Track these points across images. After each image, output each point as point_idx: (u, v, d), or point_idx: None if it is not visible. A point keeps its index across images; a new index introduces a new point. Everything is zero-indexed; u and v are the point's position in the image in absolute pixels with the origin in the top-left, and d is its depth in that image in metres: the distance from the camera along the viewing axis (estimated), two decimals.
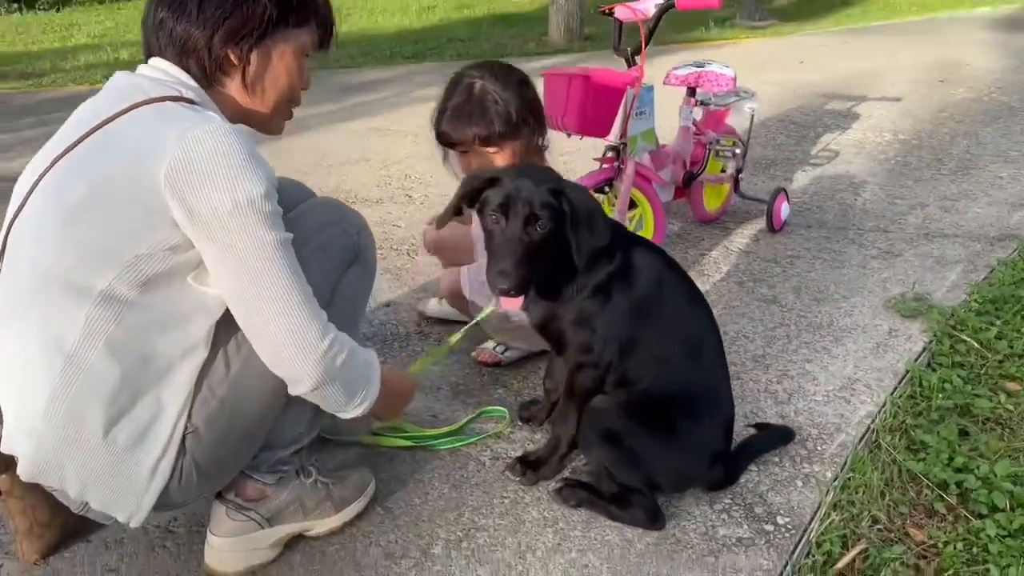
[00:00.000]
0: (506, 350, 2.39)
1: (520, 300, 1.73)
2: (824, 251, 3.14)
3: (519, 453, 1.98)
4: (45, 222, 1.37)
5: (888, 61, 6.95)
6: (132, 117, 1.38)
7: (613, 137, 2.71)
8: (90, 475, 1.37)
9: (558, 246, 1.67)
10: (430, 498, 1.85)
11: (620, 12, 2.79)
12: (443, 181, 4.00)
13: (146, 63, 1.50)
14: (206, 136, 1.32)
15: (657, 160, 2.94)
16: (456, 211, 1.76)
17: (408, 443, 2.02)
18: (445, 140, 2.15)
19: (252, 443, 1.57)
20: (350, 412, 1.54)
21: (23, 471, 1.38)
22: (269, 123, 1.61)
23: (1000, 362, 2.37)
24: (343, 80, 7.09)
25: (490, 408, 2.14)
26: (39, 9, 12.00)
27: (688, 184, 3.11)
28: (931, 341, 2.45)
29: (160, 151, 1.31)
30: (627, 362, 1.75)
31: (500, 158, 2.11)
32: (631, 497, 1.74)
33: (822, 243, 3.21)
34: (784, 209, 3.31)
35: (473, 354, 2.41)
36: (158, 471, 1.41)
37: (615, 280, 1.72)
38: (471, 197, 1.71)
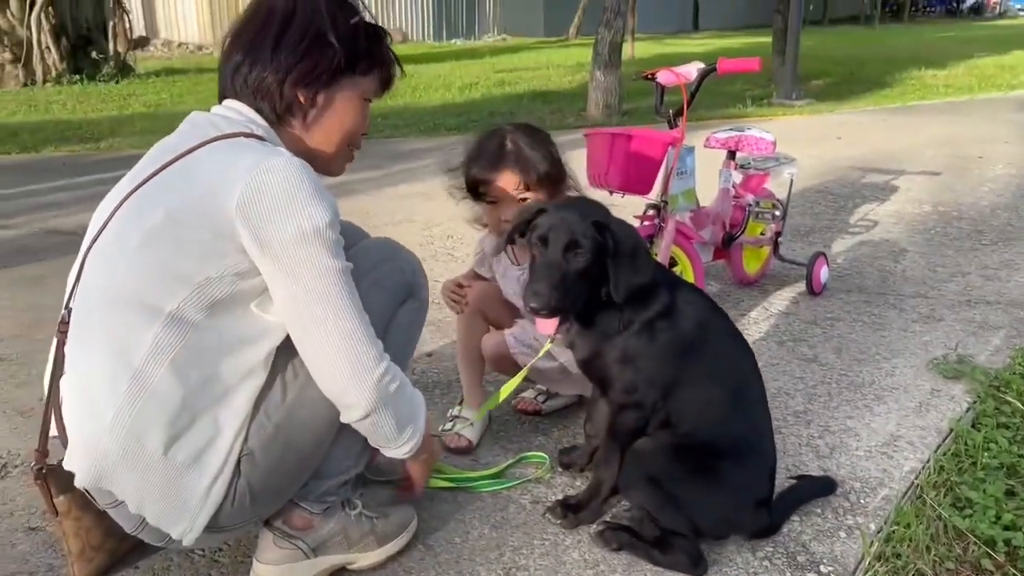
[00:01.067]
0: (546, 400, 2.41)
1: (554, 324, 1.78)
2: (864, 314, 3.14)
3: (558, 496, 1.99)
4: (121, 246, 1.46)
5: (926, 137, 7.01)
6: (207, 150, 1.48)
7: (654, 195, 2.78)
8: (148, 490, 1.42)
9: (600, 278, 1.72)
10: (471, 537, 1.86)
11: (662, 77, 2.88)
12: (469, 239, 4.09)
13: (220, 104, 1.61)
14: (276, 167, 1.41)
15: (697, 220, 2.99)
16: (510, 240, 1.84)
17: (449, 484, 2.04)
18: (476, 187, 2.18)
19: (304, 471, 1.61)
20: (398, 447, 1.58)
21: (83, 479, 1.42)
22: (331, 164, 1.70)
23: None
24: (389, 148, 7.29)
25: (531, 454, 2.16)
26: (99, 80, 12.51)
27: (727, 245, 3.15)
28: (975, 402, 2.43)
29: (232, 181, 1.40)
30: (671, 404, 1.77)
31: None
32: (674, 541, 1.74)
33: (862, 307, 3.22)
34: (824, 273, 3.33)
35: (513, 402, 2.44)
36: (213, 491, 1.45)
37: (661, 319, 1.76)
38: (522, 228, 1.77)
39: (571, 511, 1.89)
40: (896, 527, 1.87)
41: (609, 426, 1.83)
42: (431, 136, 7.98)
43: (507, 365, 2.28)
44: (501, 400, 2.05)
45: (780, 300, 3.30)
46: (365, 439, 1.60)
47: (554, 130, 8.91)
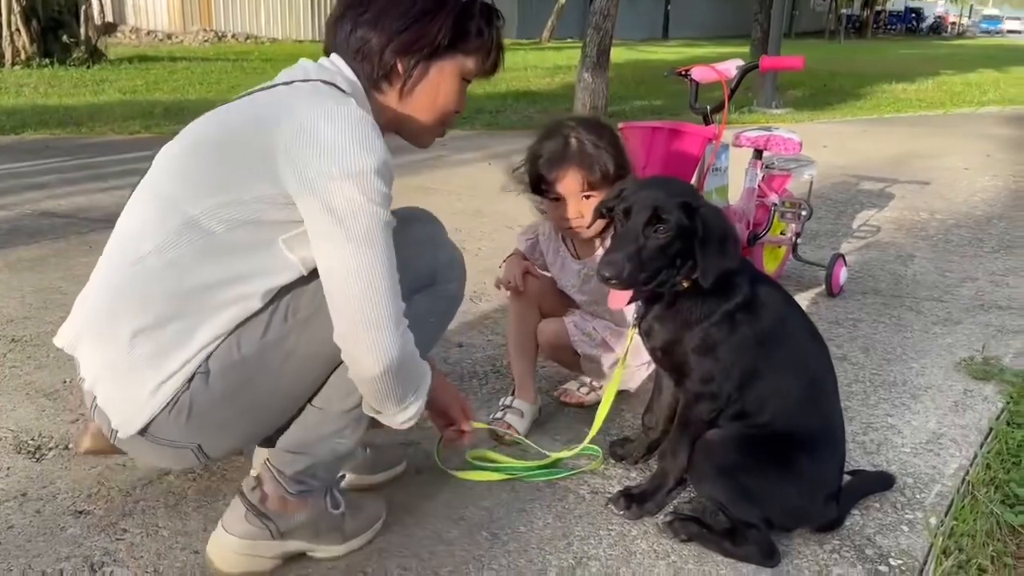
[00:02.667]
0: (589, 392, 2.39)
1: (626, 296, 1.74)
2: (884, 316, 3.18)
3: (616, 488, 1.97)
4: (174, 152, 1.53)
5: (910, 148, 7.14)
6: (286, 88, 1.50)
7: None
8: (104, 369, 1.49)
9: (681, 261, 1.71)
10: (536, 527, 1.83)
11: (698, 74, 2.89)
12: (495, 236, 4.07)
13: (326, 56, 1.59)
14: (334, 113, 1.40)
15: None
16: (600, 215, 1.86)
17: (501, 476, 2.01)
18: (539, 184, 2.14)
19: (253, 421, 1.58)
20: (396, 414, 1.52)
21: (62, 340, 1.57)
22: (421, 135, 1.68)
23: None
24: None
25: (584, 445, 2.14)
26: (70, 65, 12.21)
27: (751, 244, 3.17)
28: (1008, 402, 2.47)
29: (291, 116, 1.40)
30: (747, 395, 1.76)
31: (592, 206, 2.09)
32: (746, 533, 1.73)
33: (881, 309, 3.25)
34: (843, 274, 3.36)
35: (556, 394, 2.42)
36: (158, 393, 1.46)
37: (742, 310, 1.75)
38: (611, 202, 1.77)
39: (635, 502, 1.87)
40: (956, 522, 1.89)
41: (681, 416, 1.82)
42: None
43: (565, 354, 2.26)
44: (598, 429, 2.03)
45: (801, 300, 3.31)
46: (355, 421, 1.57)
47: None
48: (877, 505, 1.94)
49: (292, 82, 1.50)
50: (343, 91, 1.50)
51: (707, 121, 2.86)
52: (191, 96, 9.41)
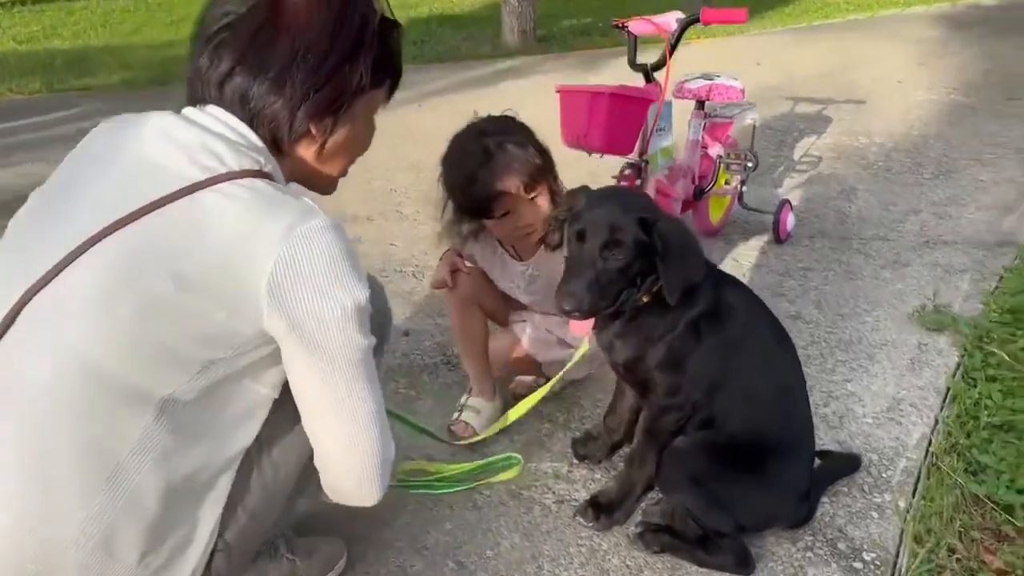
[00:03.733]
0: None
1: (588, 324, 1.66)
2: (833, 262, 3.14)
3: (582, 493, 1.92)
4: (107, 313, 1.14)
5: (843, 60, 7.06)
6: (215, 196, 1.18)
7: (635, 154, 2.65)
8: None
9: (642, 278, 1.61)
10: (503, 549, 1.77)
11: (636, 26, 2.73)
12: (429, 199, 3.89)
13: (197, 107, 1.29)
14: (313, 235, 1.18)
15: (672, 176, 2.89)
16: (550, 239, 1.73)
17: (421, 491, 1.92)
18: (482, 209, 1.97)
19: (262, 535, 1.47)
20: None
21: None
22: (331, 185, 1.46)
23: None
24: None
25: (502, 456, 2.02)
26: None
27: (698, 198, 3.08)
28: (963, 356, 2.46)
29: (261, 251, 1.16)
30: (714, 402, 1.69)
31: (542, 202, 1.98)
32: (719, 541, 1.68)
33: (829, 254, 3.21)
34: (790, 220, 3.31)
35: (511, 387, 2.33)
36: None
37: (706, 318, 1.66)
38: (564, 218, 1.65)
39: (603, 512, 1.81)
40: (923, 502, 1.88)
41: (647, 427, 1.75)
42: None
43: (524, 364, 2.17)
44: (511, 422, 1.99)
45: (749, 251, 3.27)
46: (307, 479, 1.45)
47: (471, 60, 8.60)
48: (845, 490, 1.92)
49: (217, 180, 1.19)
50: (272, 176, 1.27)
51: (648, 79, 2.71)
52: (94, 42, 8.83)
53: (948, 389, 2.30)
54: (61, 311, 1.15)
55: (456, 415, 2.15)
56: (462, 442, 2.08)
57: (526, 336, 2.14)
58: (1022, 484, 1.94)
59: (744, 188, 3.28)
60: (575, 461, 2.03)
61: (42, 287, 1.15)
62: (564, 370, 1.99)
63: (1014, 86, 5.96)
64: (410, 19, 10.69)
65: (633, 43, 2.78)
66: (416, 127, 5.22)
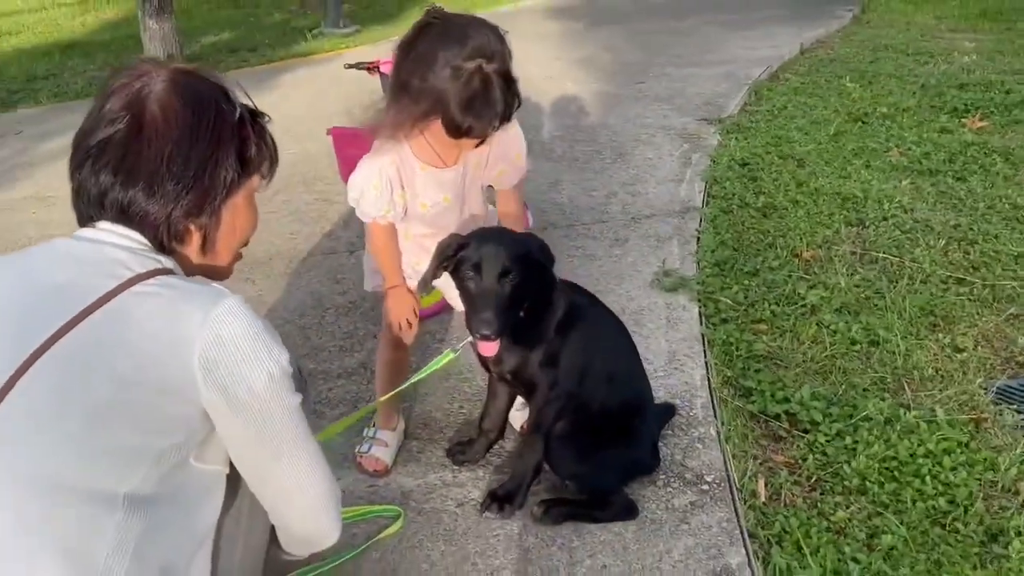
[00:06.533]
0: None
1: (497, 344, 1.91)
2: (571, 248, 3.66)
3: (475, 492, 2.18)
4: (57, 428, 1.19)
5: None
6: (133, 299, 1.26)
7: None
8: None
9: (524, 295, 1.91)
10: (435, 559, 1.99)
11: (387, 67, 2.97)
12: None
13: (88, 225, 1.35)
14: (229, 314, 1.29)
15: None
16: (434, 277, 1.94)
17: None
18: (468, 135, 1.90)
19: None
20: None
21: None
22: (225, 272, 1.54)
23: (746, 310, 3.09)
24: None
25: (381, 507, 2.16)
26: None
27: None
28: (700, 307, 3.09)
29: (187, 339, 1.25)
30: (583, 389, 2.05)
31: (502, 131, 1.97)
32: (608, 499, 2.06)
33: (564, 241, 3.74)
34: (530, 218, 3.77)
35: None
36: None
37: (568, 319, 2.02)
38: (448, 262, 1.88)
39: (505, 502, 2.09)
40: (724, 426, 2.41)
41: (535, 420, 2.06)
42: None
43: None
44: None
45: None
46: None
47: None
48: (671, 432, 2.40)
49: (129, 283, 1.27)
50: (173, 271, 1.35)
51: None
52: None
53: (703, 336, 2.90)
54: (5, 441, 1.18)
55: (366, 448, 2.30)
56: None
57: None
58: (779, 396, 2.56)
59: None
60: (456, 468, 2.28)
61: None
62: (428, 370, 2.12)
63: (635, 71, 7.09)
64: (16, 51, 9.65)
65: (385, 80, 3.02)
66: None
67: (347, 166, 2.83)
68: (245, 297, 1.34)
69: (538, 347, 2.00)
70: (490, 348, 1.90)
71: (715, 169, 4.56)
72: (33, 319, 1.23)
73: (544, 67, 7.29)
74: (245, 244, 1.55)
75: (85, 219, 1.36)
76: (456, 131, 1.88)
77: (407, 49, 1.92)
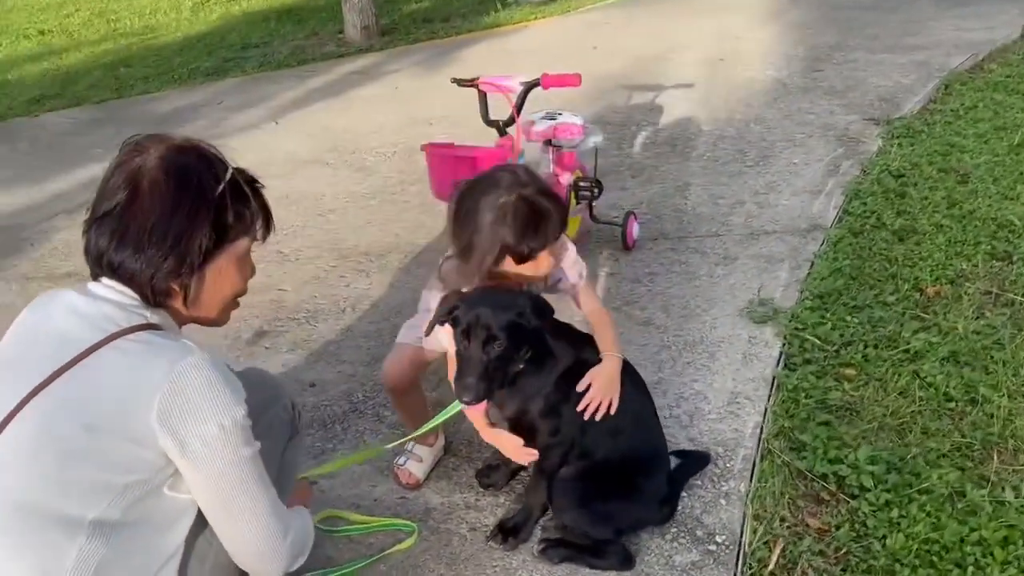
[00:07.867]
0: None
1: (483, 406, 2.03)
2: (675, 264, 3.62)
3: (490, 519, 2.29)
4: (35, 462, 1.44)
5: (670, 39, 7.62)
6: (112, 351, 1.48)
7: None
8: None
9: (513, 359, 1.98)
10: None
11: (485, 86, 3.06)
12: (309, 230, 4.12)
13: (96, 280, 1.58)
14: (189, 370, 1.46)
15: None
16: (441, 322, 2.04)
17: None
18: (533, 256, 2.03)
19: None
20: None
21: None
22: (217, 322, 1.73)
23: (836, 352, 2.93)
24: (147, 111, 6.82)
25: (400, 522, 2.29)
26: None
27: None
28: (784, 344, 2.98)
29: (149, 388, 1.44)
30: (587, 437, 2.10)
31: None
32: (605, 547, 2.11)
33: (671, 255, 3.69)
34: (635, 229, 3.76)
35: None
36: None
37: (571, 371, 2.07)
38: (444, 319, 1.99)
39: (510, 535, 2.19)
40: (759, 484, 2.36)
41: (538, 465, 2.14)
42: (188, 87, 7.50)
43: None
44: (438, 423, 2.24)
45: (602, 261, 3.70)
46: None
47: (317, 62, 8.53)
48: (699, 483, 2.38)
49: (112, 338, 1.48)
50: (159, 326, 1.55)
51: (501, 133, 3.06)
52: None
53: (774, 378, 2.80)
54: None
55: (402, 460, 2.47)
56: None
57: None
58: (832, 455, 2.45)
59: (594, 203, 3.71)
60: (481, 490, 2.41)
61: None
62: (436, 422, 2.24)
63: (818, 57, 6.68)
64: (244, 14, 10.58)
65: (485, 100, 3.12)
66: (277, 150, 5.27)
67: (441, 187, 2.99)
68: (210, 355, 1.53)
69: (539, 396, 2.06)
70: (473, 410, 2.00)
71: (862, 181, 4.29)
72: (38, 363, 1.50)
73: (720, 48, 7.04)
74: (237, 297, 1.73)
75: (94, 276, 1.61)
76: (523, 257, 2.01)
77: (455, 216, 2.06)
